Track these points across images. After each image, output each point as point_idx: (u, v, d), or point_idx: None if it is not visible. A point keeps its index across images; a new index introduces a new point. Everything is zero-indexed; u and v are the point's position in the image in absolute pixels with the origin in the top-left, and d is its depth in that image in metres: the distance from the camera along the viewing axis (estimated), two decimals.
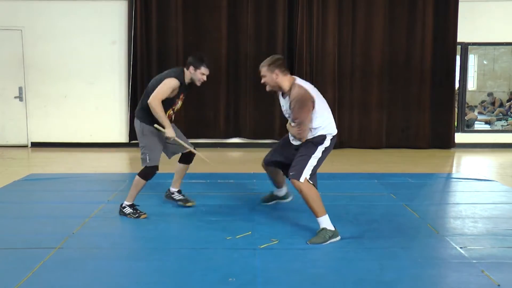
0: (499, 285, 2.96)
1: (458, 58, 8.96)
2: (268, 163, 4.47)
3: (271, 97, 8.96)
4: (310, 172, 3.84)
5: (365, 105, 8.80)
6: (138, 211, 4.37)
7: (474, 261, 3.35)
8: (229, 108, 8.85)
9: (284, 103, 4.01)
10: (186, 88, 4.38)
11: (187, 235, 3.89)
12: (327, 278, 3.10)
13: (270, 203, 4.77)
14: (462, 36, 8.71)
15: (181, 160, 4.68)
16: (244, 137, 8.94)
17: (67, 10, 8.62)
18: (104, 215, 4.44)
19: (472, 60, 14.28)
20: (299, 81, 3.91)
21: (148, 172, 4.37)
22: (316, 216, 3.78)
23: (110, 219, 4.34)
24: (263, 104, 8.74)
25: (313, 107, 3.81)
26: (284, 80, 3.88)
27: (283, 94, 3.99)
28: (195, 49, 8.67)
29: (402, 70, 8.77)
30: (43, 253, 3.44)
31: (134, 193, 4.39)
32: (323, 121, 3.88)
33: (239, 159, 8.34)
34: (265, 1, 8.61)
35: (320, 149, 3.89)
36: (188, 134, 8.76)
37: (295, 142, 4.03)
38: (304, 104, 3.77)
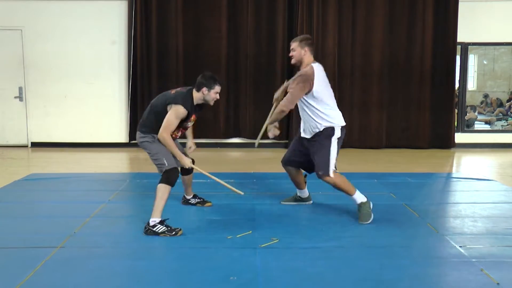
0: (498, 284, 2.98)
1: (458, 58, 8.98)
2: (286, 163, 4.60)
3: (271, 97, 8.94)
4: (334, 163, 4.20)
5: (365, 105, 8.81)
6: (173, 228, 3.89)
7: (473, 260, 3.36)
8: (229, 108, 8.86)
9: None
10: (196, 109, 4.20)
11: (188, 235, 3.89)
12: (327, 277, 3.11)
13: (291, 203, 4.80)
14: (462, 36, 8.73)
15: (182, 172, 4.52)
16: (244, 137, 8.95)
17: (67, 10, 8.63)
18: (105, 215, 4.44)
19: (472, 60, 14.28)
20: (316, 65, 4.24)
21: (170, 175, 3.96)
22: (351, 195, 4.24)
23: (111, 219, 4.35)
24: (263, 104, 8.73)
25: (310, 89, 4.09)
26: (308, 58, 4.24)
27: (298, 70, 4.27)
28: (195, 49, 8.71)
29: (402, 70, 8.78)
30: (44, 253, 3.45)
31: (160, 206, 3.92)
32: (327, 110, 4.21)
33: (239, 159, 8.35)
34: (265, 1, 8.62)
35: (334, 140, 4.23)
36: None
37: (306, 135, 4.30)
38: (302, 80, 4.09)
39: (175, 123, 3.99)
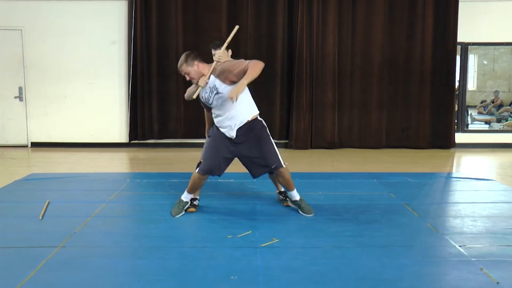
0: (498, 283, 2.99)
1: (458, 58, 8.98)
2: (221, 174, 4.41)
3: (271, 97, 9.01)
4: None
5: (365, 105, 8.82)
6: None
7: (473, 259, 3.38)
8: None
9: (207, 86, 4.15)
10: None
11: (188, 234, 3.90)
12: (328, 276, 3.11)
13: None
14: (462, 36, 8.73)
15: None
16: None
17: (67, 10, 8.64)
18: (106, 215, 4.45)
19: (472, 60, 14.30)
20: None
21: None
22: (291, 190, 4.39)
23: (112, 218, 4.36)
24: (263, 104, 8.69)
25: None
26: (204, 67, 4.14)
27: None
28: (195, 49, 8.67)
29: (402, 70, 8.79)
30: (45, 252, 3.46)
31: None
32: (250, 99, 4.27)
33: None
34: (265, 1, 8.63)
35: (267, 131, 4.30)
36: (188, 134, 8.92)
37: (232, 133, 4.18)
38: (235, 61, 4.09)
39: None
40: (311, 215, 4.39)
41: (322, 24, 8.64)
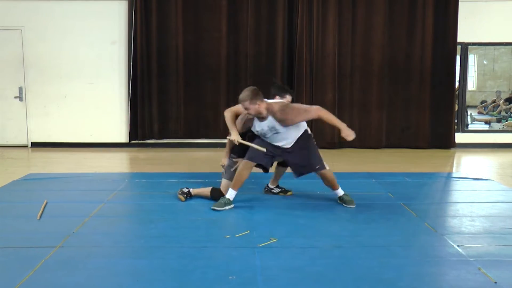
0: (495, 283, 2.99)
1: (458, 58, 8.98)
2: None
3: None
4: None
5: (365, 105, 8.82)
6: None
7: (471, 259, 3.38)
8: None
9: (265, 125, 4.52)
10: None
11: (187, 234, 3.90)
12: (326, 276, 3.11)
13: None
14: (462, 36, 8.72)
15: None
16: None
17: (67, 10, 8.64)
18: (104, 214, 4.45)
19: (472, 60, 14.30)
20: (268, 100, 4.56)
21: (216, 191, 4.85)
22: (335, 189, 4.77)
23: (110, 218, 4.36)
24: None
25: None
26: (263, 106, 4.44)
27: (260, 118, 4.51)
28: (195, 49, 8.72)
29: (402, 70, 8.78)
30: (44, 252, 3.46)
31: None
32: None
33: None
34: (265, 1, 8.62)
35: (312, 139, 4.74)
36: (188, 134, 8.93)
37: (285, 144, 4.60)
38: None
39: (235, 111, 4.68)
40: (352, 206, 4.68)
41: (322, 24, 8.63)
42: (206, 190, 4.88)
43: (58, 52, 8.73)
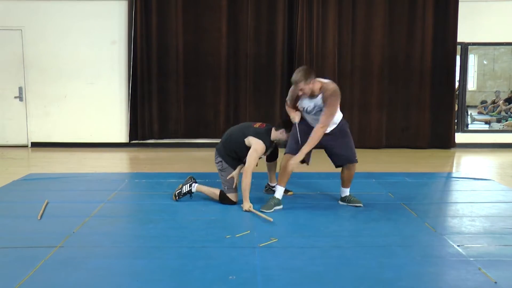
0: (495, 282, 2.99)
1: (458, 58, 8.98)
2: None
3: (271, 97, 9.01)
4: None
5: (365, 105, 8.82)
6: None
7: (471, 259, 3.38)
8: (229, 108, 8.86)
9: (312, 102, 4.46)
10: (272, 145, 4.75)
11: (187, 234, 3.90)
12: (326, 276, 3.12)
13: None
14: (462, 36, 8.73)
15: (267, 159, 5.01)
16: None
17: (67, 10, 8.64)
18: (104, 214, 4.45)
19: (472, 60, 14.31)
20: (327, 80, 4.49)
21: (225, 200, 4.76)
22: (346, 187, 4.74)
23: (110, 218, 4.36)
24: (263, 104, 8.78)
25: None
26: (317, 84, 4.39)
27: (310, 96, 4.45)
28: (195, 49, 8.72)
29: (402, 70, 8.78)
30: (44, 252, 3.46)
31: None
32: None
33: None
34: (265, 1, 8.62)
35: (349, 128, 4.74)
36: (188, 134, 8.93)
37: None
38: (337, 98, 4.43)
39: (257, 159, 4.58)
40: (360, 205, 4.68)
41: (322, 24, 8.63)
42: (214, 191, 4.83)
43: (58, 52, 8.73)
